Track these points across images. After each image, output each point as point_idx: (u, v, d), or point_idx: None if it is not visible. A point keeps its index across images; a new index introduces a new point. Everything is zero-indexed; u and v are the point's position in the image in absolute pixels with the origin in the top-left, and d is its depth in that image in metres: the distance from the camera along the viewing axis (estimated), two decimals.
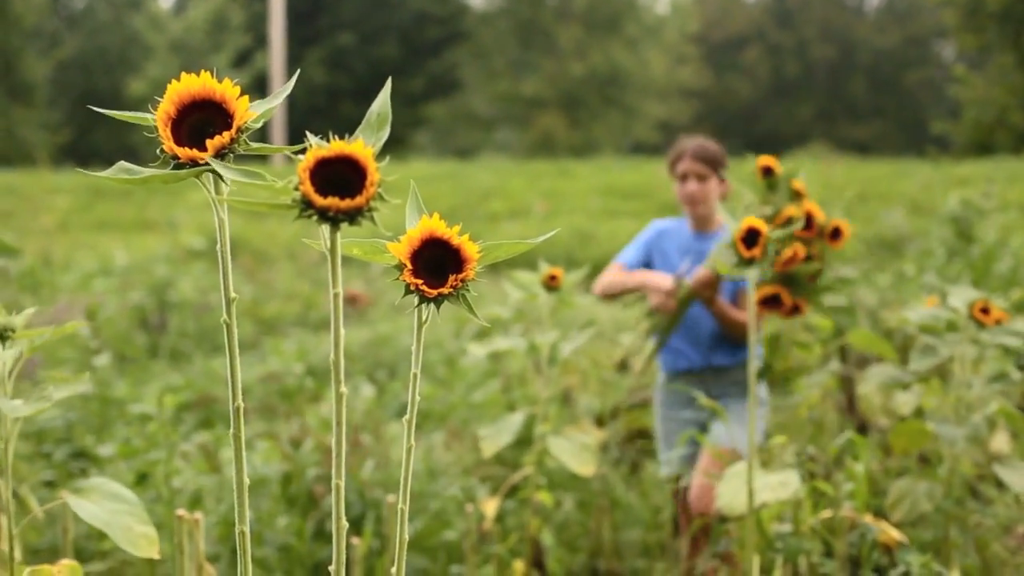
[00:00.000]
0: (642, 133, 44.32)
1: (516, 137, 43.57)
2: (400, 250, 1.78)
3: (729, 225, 3.94)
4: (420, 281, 1.79)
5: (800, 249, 4.69)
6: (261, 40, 35.53)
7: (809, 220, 4.78)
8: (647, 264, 5.36)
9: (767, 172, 4.88)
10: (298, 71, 1.88)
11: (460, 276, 1.80)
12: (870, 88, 51.33)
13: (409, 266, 1.79)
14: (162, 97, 1.76)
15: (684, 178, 5.24)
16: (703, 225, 5.33)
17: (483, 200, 21.38)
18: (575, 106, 42.45)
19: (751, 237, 3.79)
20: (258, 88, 32.66)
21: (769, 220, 4.60)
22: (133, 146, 33.43)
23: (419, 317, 1.86)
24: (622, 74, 42.99)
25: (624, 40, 43.73)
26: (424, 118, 43.04)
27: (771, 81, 52.09)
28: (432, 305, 1.83)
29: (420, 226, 1.78)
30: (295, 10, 38.45)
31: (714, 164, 5.23)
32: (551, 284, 4.60)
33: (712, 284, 4.97)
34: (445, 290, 1.80)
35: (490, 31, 45.86)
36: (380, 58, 42.60)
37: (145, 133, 1.80)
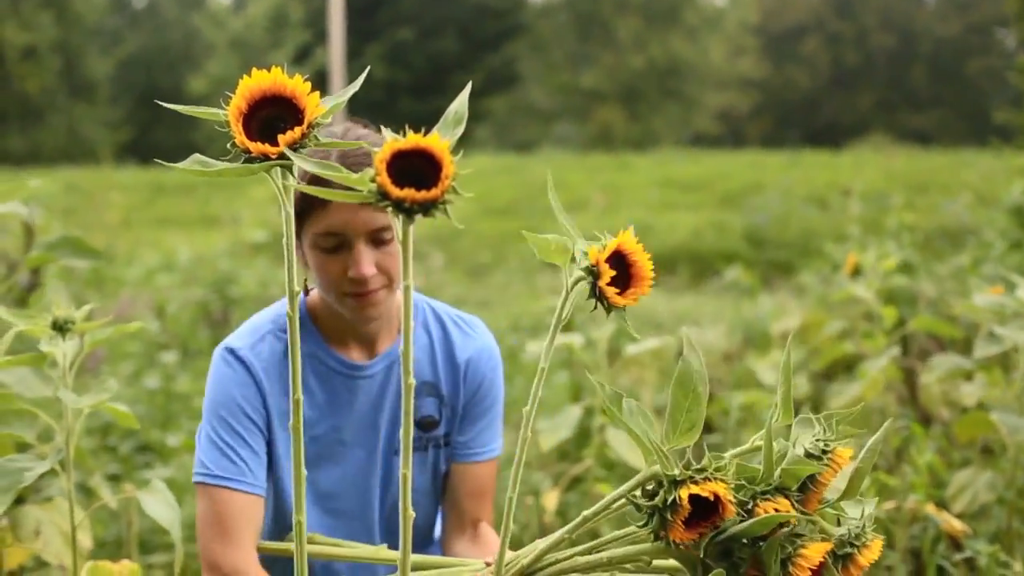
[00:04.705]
0: (701, 124, 44.13)
1: (575, 130, 43.47)
2: (597, 256, 1.88)
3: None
4: (615, 290, 1.88)
5: None
6: (321, 36, 35.60)
7: None
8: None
9: None
10: (367, 68, 1.90)
11: (638, 290, 1.92)
12: (931, 77, 50.89)
13: (604, 272, 1.87)
14: (223, 94, 1.79)
15: (336, 245, 2.49)
16: (370, 342, 2.71)
17: (542, 194, 21.25)
18: (634, 98, 42.32)
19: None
20: (318, 84, 32.71)
21: None
22: (194, 144, 33.61)
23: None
24: (681, 65, 42.84)
25: (683, 31, 43.58)
26: (484, 112, 43.02)
27: (831, 71, 51.73)
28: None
29: (617, 240, 1.90)
30: (354, 6, 38.56)
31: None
32: None
33: None
34: (629, 302, 1.91)
35: (549, 24, 45.84)
36: (439, 53, 42.64)
37: (216, 127, 1.82)
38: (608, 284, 1.87)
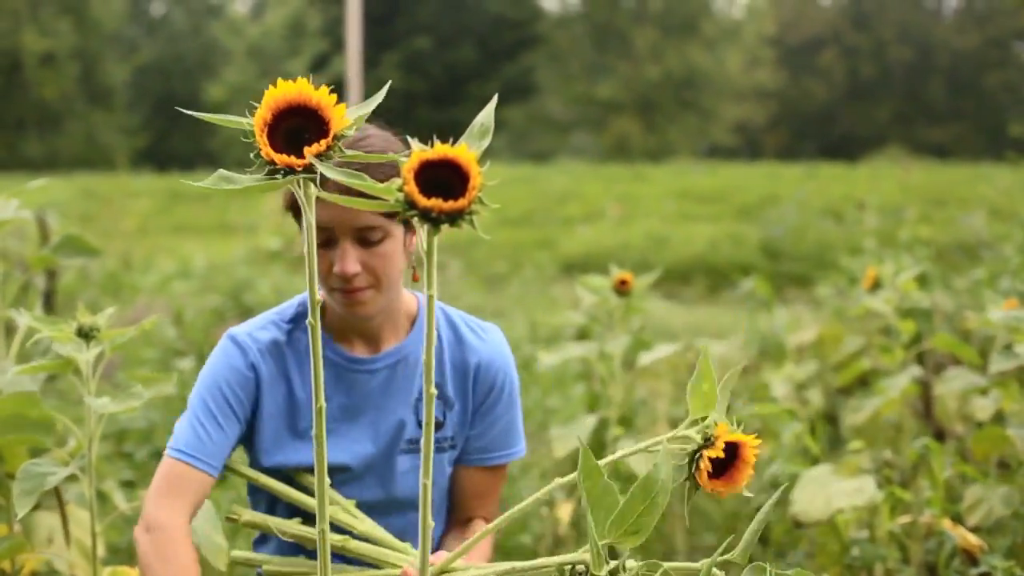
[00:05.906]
0: (718, 136, 44.09)
1: (591, 141, 43.45)
2: (719, 435, 2.09)
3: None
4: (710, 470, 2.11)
5: None
6: (338, 44, 35.64)
7: None
8: (246, 435, 2.70)
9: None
10: (388, 82, 1.89)
11: (730, 484, 2.13)
12: (948, 90, 50.75)
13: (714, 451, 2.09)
14: (246, 102, 1.79)
15: (325, 240, 2.52)
16: (373, 338, 2.71)
17: (558, 204, 21.37)
18: (651, 109, 42.27)
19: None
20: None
21: None
22: (210, 151, 33.69)
23: None
24: (698, 77, 42.80)
25: (701, 42, 43.54)
26: (500, 122, 42.53)
27: (847, 83, 51.62)
28: None
29: (738, 436, 2.09)
30: (372, 14, 38.60)
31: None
32: (621, 289, 4.59)
33: None
34: (717, 487, 2.13)
35: (566, 34, 45.80)
36: (456, 62, 42.69)
37: (242, 138, 1.82)
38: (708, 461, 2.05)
